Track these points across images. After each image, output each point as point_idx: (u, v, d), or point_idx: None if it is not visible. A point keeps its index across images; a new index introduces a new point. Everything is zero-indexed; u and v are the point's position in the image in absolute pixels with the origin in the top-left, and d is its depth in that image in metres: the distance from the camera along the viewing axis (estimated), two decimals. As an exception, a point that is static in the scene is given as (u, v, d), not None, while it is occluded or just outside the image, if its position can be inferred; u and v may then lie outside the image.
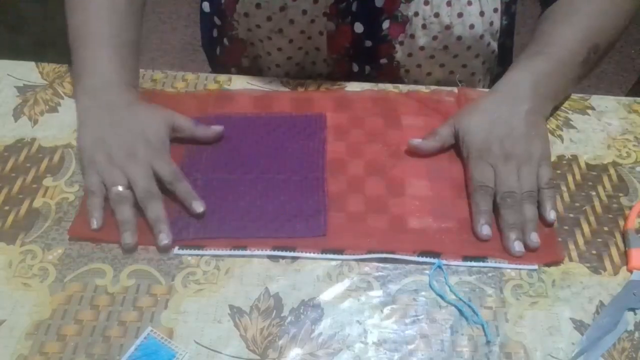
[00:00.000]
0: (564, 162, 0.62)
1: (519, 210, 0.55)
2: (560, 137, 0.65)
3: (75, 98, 0.62)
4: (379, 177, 0.59)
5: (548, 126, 0.65)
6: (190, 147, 0.61)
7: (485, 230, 0.54)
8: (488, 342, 0.48)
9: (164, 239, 0.53)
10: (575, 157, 0.62)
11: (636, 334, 0.49)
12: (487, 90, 0.68)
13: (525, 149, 0.57)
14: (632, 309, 0.50)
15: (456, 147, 0.61)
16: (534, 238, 0.53)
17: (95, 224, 0.54)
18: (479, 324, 0.49)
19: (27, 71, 0.70)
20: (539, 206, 0.56)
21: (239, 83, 0.69)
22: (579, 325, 0.49)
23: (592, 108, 0.68)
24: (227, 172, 0.59)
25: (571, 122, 0.66)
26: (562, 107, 0.68)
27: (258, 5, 0.66)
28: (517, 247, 0.53)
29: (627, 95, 0.99)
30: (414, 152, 0.61)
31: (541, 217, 0.55)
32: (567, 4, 0.65)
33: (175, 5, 0.67)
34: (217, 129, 0.61)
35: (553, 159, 0.62)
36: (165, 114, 0.60)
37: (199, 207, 0.55)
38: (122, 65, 0.61)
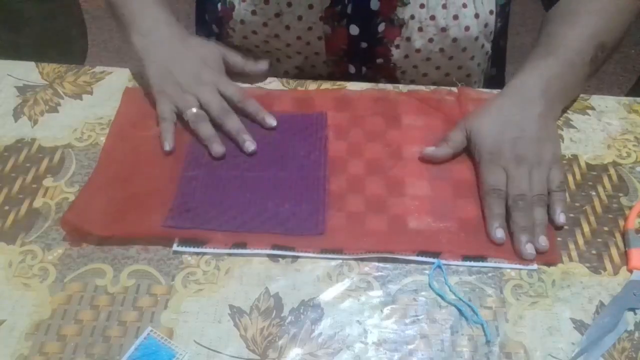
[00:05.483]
0: (564, 162, 0.62)
1: (530, 213, 0.54)
2: (560, 137, 0.64)
3: (128, 42, 0.66)
4: (379, 176, 0.59)
5: (548, 126, 0.65)
6: (192, 144, 0.61)
7: (499, 233, 0.54)
8: (488, 342, 0.48)
9: (250, 145, 0.60)
10: (575, 157, 0.62)
11: (636, 334, 0.49)
12: (485, 90, 0.68)
13: (537, 151, 0.57)
14: (632, 309, 0.50)
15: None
16: (543, 242, 0.53)
17: (167, 146, 0.60)
18: (479, 324, 0.49)
19: (27, 71, 0.70)
20: (549, 209, 0.55)
21: (239, 83, 0.69)
22: (579, 325, 0.49)
23: (592, 108, 0.68)
24: (229, 170, 0.59)
25: (571, 122, 0.66)
26: (562, 107, 0.68)
27: (253, 12, 0.67)
28: (529, 249, 0.53)
29: (627, 95, 0.99)
30: (428, 160, 0.60)
31: (550, 220, 0.55)
32: (572, 3, 0.64)
33: (176, 5, 0.67)
34: (264, 66, 0.68)
35: (553, 158, 0.62)
36: (216, 45, 0.67)
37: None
38: (165, 8, 0.68)
